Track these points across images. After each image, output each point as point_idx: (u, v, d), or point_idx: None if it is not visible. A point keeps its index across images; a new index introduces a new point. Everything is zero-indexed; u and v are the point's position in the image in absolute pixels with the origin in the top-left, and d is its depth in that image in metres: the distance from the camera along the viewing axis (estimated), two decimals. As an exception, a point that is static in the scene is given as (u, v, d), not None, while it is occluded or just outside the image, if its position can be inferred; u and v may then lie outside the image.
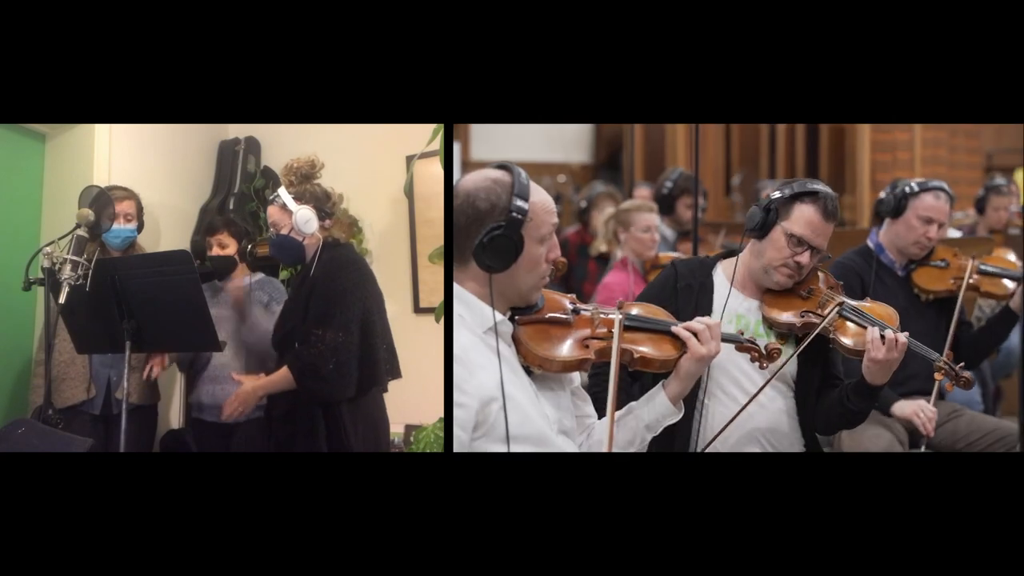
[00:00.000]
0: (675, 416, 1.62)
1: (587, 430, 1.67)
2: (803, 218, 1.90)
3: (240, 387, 2.50)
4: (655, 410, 1.61)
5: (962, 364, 1.91)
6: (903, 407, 2.32)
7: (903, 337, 1.80)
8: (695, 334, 1.59)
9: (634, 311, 1.66)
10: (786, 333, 1.95)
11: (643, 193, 4.47)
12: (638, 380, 1.96)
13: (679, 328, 1.61)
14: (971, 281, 2.52)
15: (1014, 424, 2.42)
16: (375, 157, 3.46)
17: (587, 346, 1.53)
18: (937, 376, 1.92)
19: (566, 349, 1.50)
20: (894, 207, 2.49)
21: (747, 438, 1.92)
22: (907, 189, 2.51)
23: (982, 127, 5.48)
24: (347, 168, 2.95)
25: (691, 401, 1.88)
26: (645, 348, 1.59)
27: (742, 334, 1.78)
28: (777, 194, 1.94)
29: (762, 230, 1.94)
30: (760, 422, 1.93)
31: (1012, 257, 2.71)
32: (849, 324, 1.91)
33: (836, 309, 1.91)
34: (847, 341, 1.88)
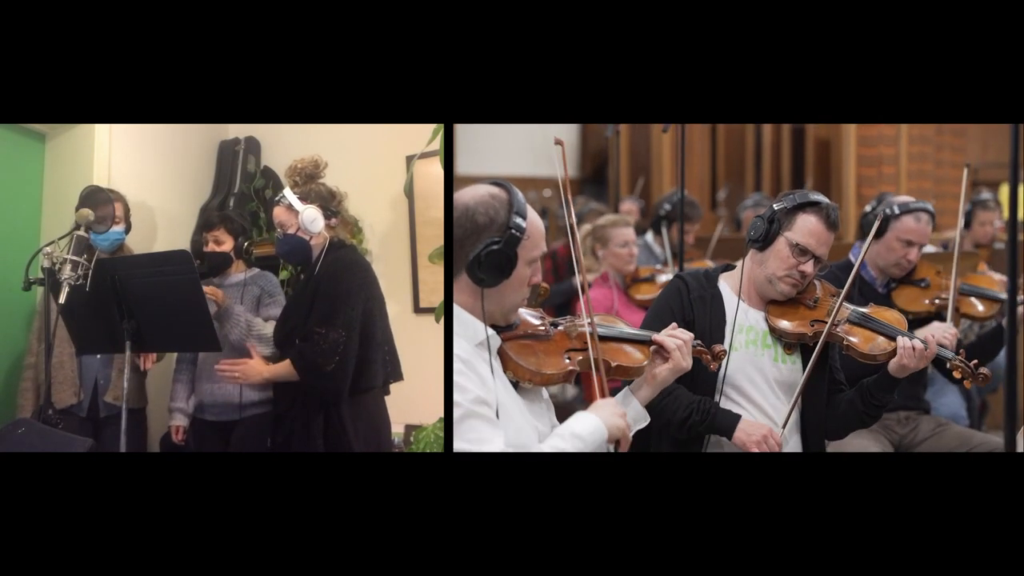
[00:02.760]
0: (646, 420, 1.64)
1: None
2: (806, 228, 1.92)
3: (250, 361, 2.53)
4: (630, 415, 1.61)
5: (976, 362, 1.91)
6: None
7: (933, 346, 1.87)
8: (677, 347, 1.60)
9: (602, 322, 1.68)
10: (794, 343, 1.96)
11: (628, 207, 4.48)
12: None
13: (663, 338, 1.62)
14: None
15: (999, 439, 2.40)
16: (375, 157, 3.46)
17: (570, 359, 1.56)
18: (956, 375, 1.92)
19: (552, 363, 1.53)
20: (876, 228, 2.39)
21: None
22: (887, 211, 2.47)
23: (967, 141, 5.46)
24: (347, 168, 2.95)
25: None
26: (621, 358, 1.62)
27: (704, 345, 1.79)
28: (779, 205, 1.95)
29: (765, 241, 1.94)
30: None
31: (997, 276, 2.68)
32: (862, 330, 1.94)
33: (846, 316, 1.94)
34: (863, 347, 1.91)
